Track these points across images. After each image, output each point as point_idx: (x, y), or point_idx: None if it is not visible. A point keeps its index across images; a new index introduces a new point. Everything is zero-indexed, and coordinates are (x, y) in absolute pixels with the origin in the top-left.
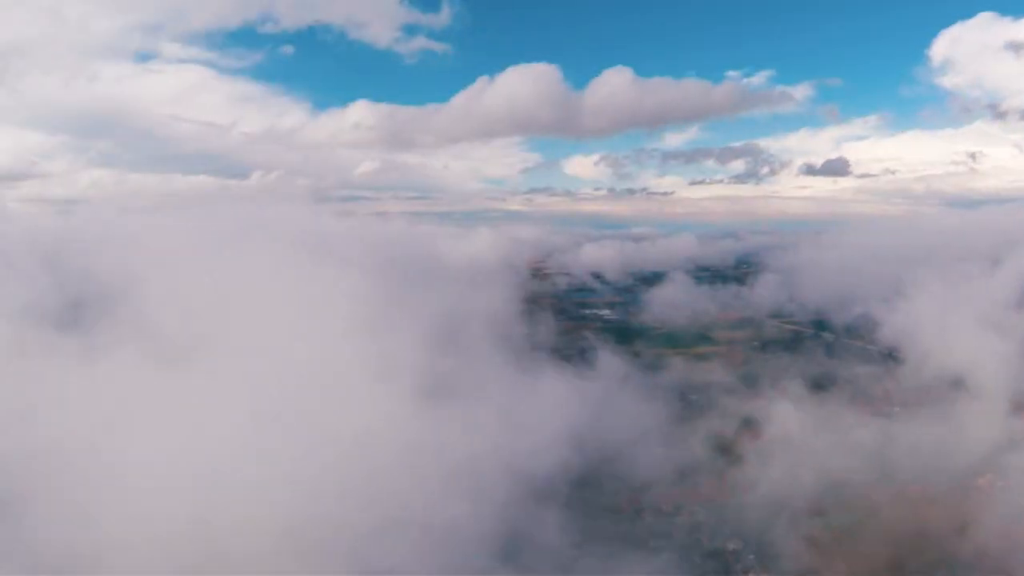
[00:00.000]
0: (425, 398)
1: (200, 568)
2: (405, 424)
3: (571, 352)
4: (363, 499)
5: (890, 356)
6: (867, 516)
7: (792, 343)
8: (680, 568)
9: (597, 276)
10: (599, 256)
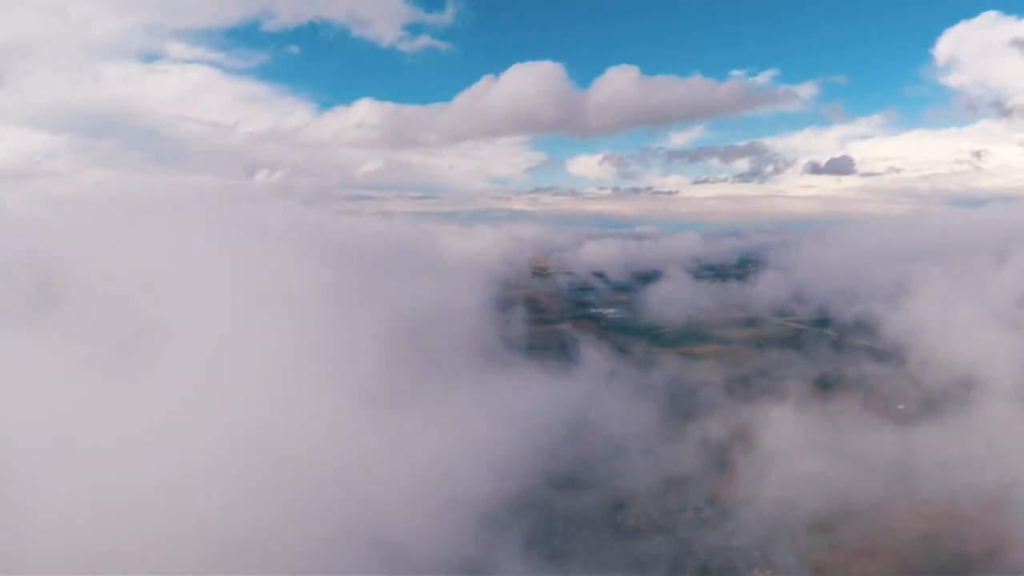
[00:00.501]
0: (390, 400)
1: (87, 568)
2: (366, 428)
3: (561, 351)
4: (297, 506)
5: (895, 354)
6: (876, 529)
7: (795, 341)
8: None
9: (599, 275)
10: (601, 254)
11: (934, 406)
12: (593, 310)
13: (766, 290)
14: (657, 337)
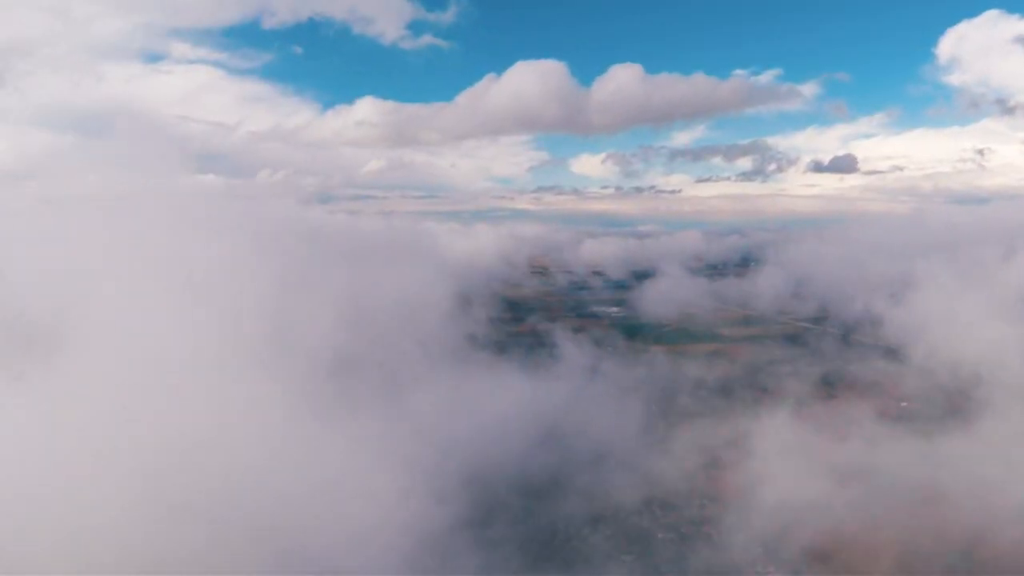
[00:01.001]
0: (360, 404)
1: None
2: (323, 434)
3: (557, 349)
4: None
5: (898, 352)
6: (881, 531)
7: (799, 339)
8: None
9: (598, 273)
10: (601, 253)
11: (937, 404)
12: (593, 308)
13: (769, 288)
14: (659, 335)
